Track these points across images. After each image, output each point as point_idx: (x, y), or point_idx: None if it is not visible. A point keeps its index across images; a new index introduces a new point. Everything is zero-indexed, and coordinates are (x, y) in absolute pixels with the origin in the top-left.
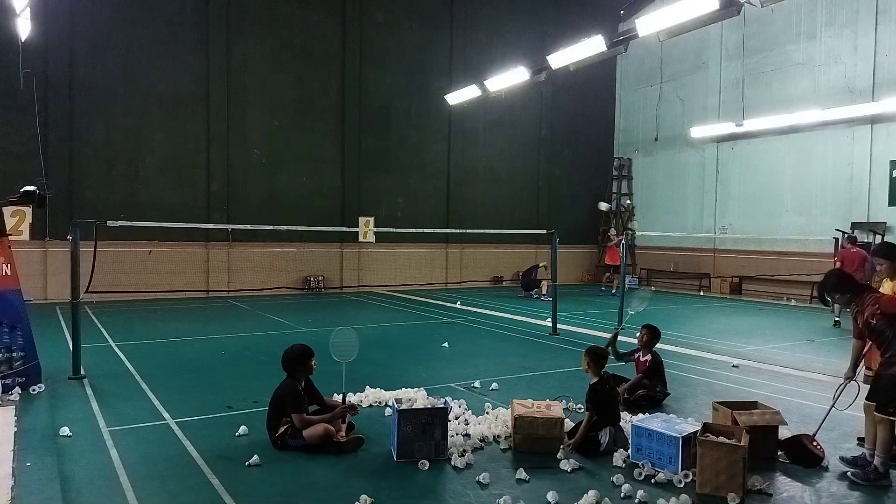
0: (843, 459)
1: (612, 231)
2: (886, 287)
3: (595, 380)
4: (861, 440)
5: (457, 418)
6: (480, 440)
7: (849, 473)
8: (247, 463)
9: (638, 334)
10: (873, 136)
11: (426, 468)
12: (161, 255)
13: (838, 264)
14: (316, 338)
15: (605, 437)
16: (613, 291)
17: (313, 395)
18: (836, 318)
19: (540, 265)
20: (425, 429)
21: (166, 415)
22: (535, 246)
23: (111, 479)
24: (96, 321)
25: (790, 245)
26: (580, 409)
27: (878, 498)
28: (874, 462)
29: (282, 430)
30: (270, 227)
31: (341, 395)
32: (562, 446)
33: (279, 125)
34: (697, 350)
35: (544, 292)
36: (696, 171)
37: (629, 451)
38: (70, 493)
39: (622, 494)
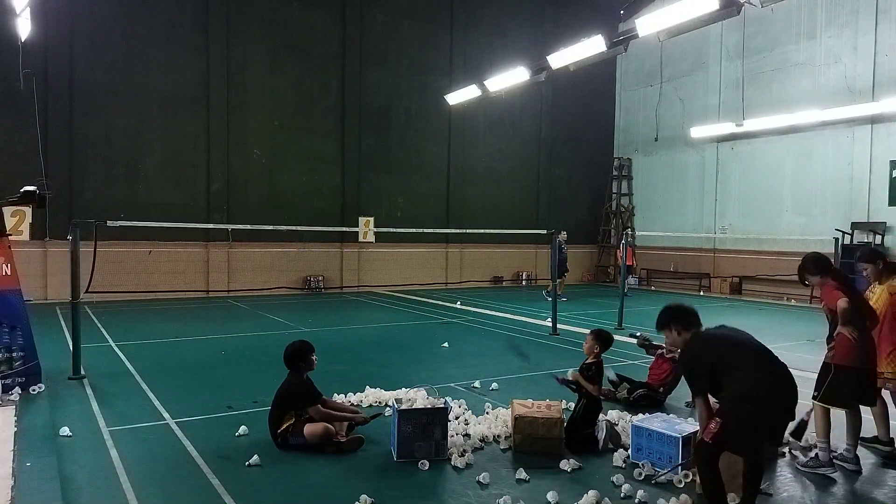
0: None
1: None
2: (877, 291)
3: (592, 360)
4: (864, 440)
5: (457, 418)
6: (480, 440)
7: (796, 462)
8: (247, 463)
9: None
10: (873, 136)
11: (426, 468)
12: (161, 255)
13: None
14: (316, 338)
15: (602, 433)
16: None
17: (315, 394)
18: None
19: None
20: (425, 429)
21: (166, 415)
22: (535, 246)
23: (111, 479)
24: (96, 321)
25: (790, 245)
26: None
27: (878, 498)
28: (817, 451)
29: (284, 426)
30: (270, 227)
31: (372, 416)
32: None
33: (279, 125)
34: None
35: (559, 291)
36: (696, 171)
37: (629, 451)
38: (70, 493)
39: (622, 494)
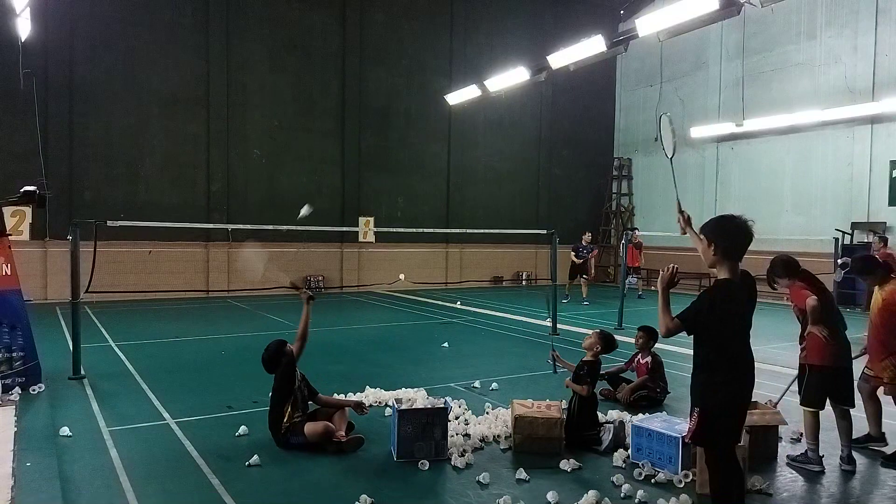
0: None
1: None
2: (877, 296)
3: (588, 359)
4: (857, 441)
5: (457, 418)
6: (480, 440)
7: (787, 458)
8: (247, 463)
9: (635, 337)
10: (873, 136)
11: (426, 468)
12: (161, 255)
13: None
14: (316, 338)
15: (607, 435)
16: (639, 293)
17: (310, 389)
18: None
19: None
20: (425, 429)
21: (166, 415)
22: (536, 246)
23: (111, 479)
24: (96, 321)
25: (790, 245)
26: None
27: (876, 499)
28: (807, 449)
29: (286, 418)
30: (271, 227)
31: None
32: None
33: (279, 125)
34: None
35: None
36: (696, 171)
37: (629, 451)
38: (70, 493)
39: (622, 494)
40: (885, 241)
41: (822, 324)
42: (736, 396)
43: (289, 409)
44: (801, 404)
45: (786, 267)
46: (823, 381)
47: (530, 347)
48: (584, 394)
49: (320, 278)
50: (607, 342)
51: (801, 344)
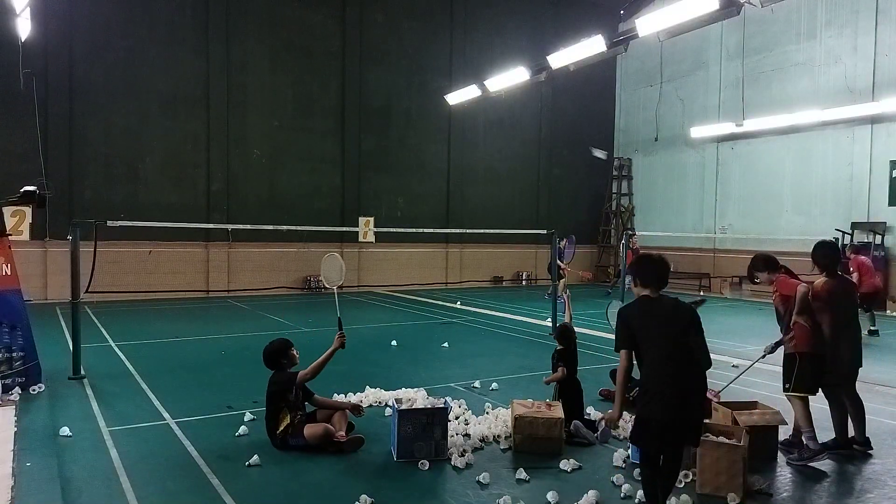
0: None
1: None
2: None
3: (560, 348)
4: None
5: (457, 418)
6: (480, 440)
7: (787, 459)
8: (247, 463)
9: None
10: (873, 136)
11: (426, 468)
12: (161, 255)
13: (855, 275)
14: (316, 338)
15: (582, 429)
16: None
17: (306, 391)
18: (872, 328)
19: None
20: (425, 429)
21: (166, 415)
22: (536, 246)
23: (111, 479)
24: (96, 321)
25: (790, 245)
26: None
27: (875, 498)
28: (805, 441)
29: (282, 427)
30: (271, 227)
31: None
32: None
33: (279, 125)
34: None
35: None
36: (696, 171)
37: (629, 450)
38: (70, 493)
39: (622, 494)
40: (856, 249)
41: (807, 313)
42: (654, 412)
43: (284, 415)
44: (793, 391)
45: (766, 262)
46: (814, 366)
47: (530, 347)
48: (562, 376)
49: (320, 278)
50: (560, 335)
51: (784, 335)
